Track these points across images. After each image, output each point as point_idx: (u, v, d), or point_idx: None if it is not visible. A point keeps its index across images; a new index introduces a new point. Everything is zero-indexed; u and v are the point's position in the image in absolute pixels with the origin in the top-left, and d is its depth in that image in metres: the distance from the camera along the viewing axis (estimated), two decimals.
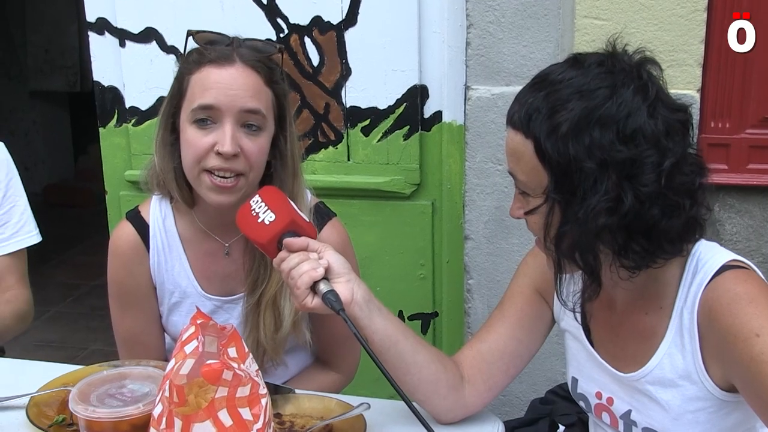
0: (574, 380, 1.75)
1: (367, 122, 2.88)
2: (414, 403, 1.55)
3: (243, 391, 1.33)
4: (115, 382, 1.55)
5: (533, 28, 2.53)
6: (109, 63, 3.01)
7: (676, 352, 1.54)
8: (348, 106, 2.87)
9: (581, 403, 1.76)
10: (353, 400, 1.74)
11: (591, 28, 2.47)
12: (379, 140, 2.88)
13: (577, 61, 1.49)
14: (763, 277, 1.53)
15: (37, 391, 1.78)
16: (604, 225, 1.41)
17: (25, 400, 1.76)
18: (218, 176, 1.79)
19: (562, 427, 2.05)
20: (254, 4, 2.84)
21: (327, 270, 1.58)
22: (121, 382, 1.56)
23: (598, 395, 1.69)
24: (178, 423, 1.29)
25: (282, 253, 1.60)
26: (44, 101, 6.68)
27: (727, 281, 1.48)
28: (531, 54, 2.56)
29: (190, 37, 1.84)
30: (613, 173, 1.40)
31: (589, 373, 1.70)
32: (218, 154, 1.77)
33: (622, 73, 1.44)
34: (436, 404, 1.70)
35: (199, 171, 1.80)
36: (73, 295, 5.30)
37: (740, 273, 1.49)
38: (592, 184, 1.40)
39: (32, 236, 2.40)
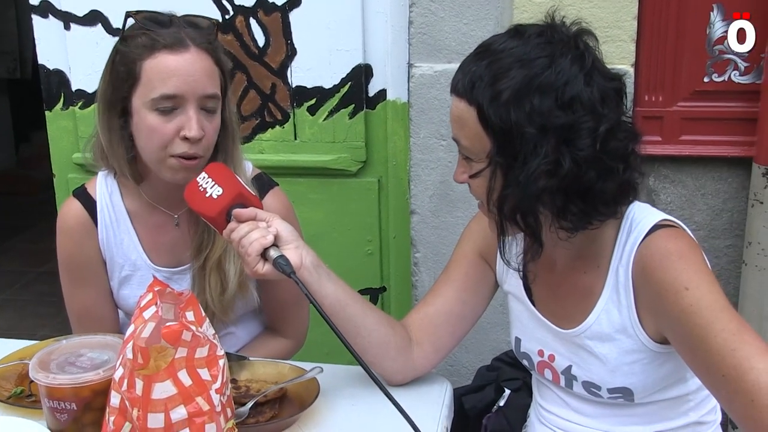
0: (518, 340, 1.82)
1: (312, 102, 2.92)
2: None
3: (201, 352, 1.37)
4: (74, 351, 1.58)
5: (474, 6, 2.60)
6: (54, 46, 3.01)
7: (613, 307, 1.62)
8: (294, 86, 2.92)
9: (524, 362, 1.84)
10: (307, 365, 1.80)
11: (529, 6, 2.54)
12: (325, 119, 2.93)
13: (518, 31, 1.56)
14: (692, 235, 1.62)
15: None
16: (544, 187, 1.49)
17: None
18: (185, 159, 1.83)
19: (508, 392, 2.14)
20: None
21: (276, 237, 1.63)
22: (80, 350, 1.59)
23: (540, 353, 1.77)
24: (139, 384, 1.34)
25: (232, 224, 1.65)
26: None
27: (659, 239, 1.57)
28: (472, 32, 2.63)
29: (130, 18, 1.86)
30: (552, 138, 1.47)
31: (531, 332, 1.78)
32: (185, 139, 1.81)
33: (561, 43, 1.51)
34: (386, 366, 1.76)
35: (164, 156, 1.84)
36: (20, 282, 5.27)
37: (671, 231, 1.58)
38: (533, 148, 1.47)
39: None
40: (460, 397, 2.16)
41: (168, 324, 1.35)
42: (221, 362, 1.41)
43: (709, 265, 1.56)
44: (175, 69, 1.80)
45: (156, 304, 1.42)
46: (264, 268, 1.62)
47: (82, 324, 2.07)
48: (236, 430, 1.47)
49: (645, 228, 1.59)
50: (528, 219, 1.54)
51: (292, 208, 2.09)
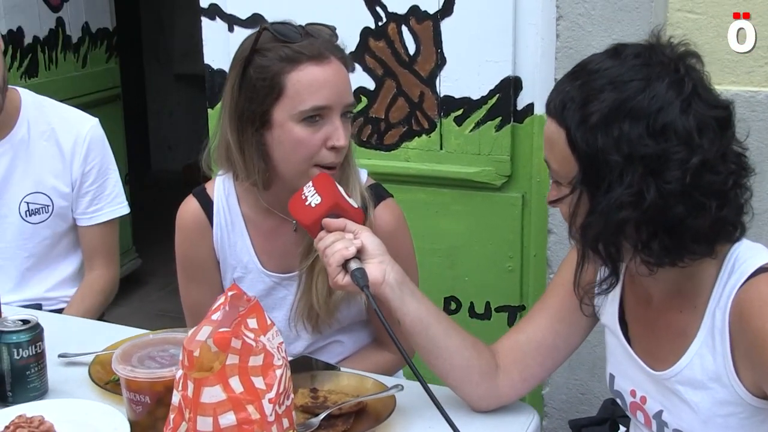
0: (611, 377, 1.72)
1: (460, 112, 2.89)
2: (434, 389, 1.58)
3: (255, 361, 1.38)
4: (158, 346, 1.64)
5: (624, 21, 2.49)
6: (218, 47, 3.15)
7: (707, 353, 1.50)
8: (442, 95, 2.90)
9: (618, 401, 1.74)
10: (391, 381, 1.78)
11: (684, 22, 2.41)
12: (471, 130, 2.89)
13: (616, 51, 1.47)
14: None
15: (102, 351, 1.90)
16: (626, 218, 1.40)
17: (91, 358, 1.89)
18: (328, 168, 1.86)
19: (622, 429, 2.03)
20: None
21: (361, 250, 1.63)
22: (164, 346, 1.65)
23: (633, 393, 1.66)
24: (190, 386, 1.37)
25: (321, 233, 1.66)
26: (187, 84, 6.95)
27: (761, 283, 1.44)
28: None
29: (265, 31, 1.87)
30: (639, 167, 1.38)
31: (624, 370, 1.68)
32: (332, 148, 1.84)
33: (659, 65, 1.42)
34: (468, 391, 1.71)
35: (309, 166, 1.86)
36: None
37: None
38: (618, 176, 1.39)
39: (123, 207, 2.58)
40: (580, 428, 2.08)
41: (221, 330, 1.37)
42: (278, 372, 1.41)
43: None
44: (324, 81, 1.82)
45: (223, 308, 1.45)
46: (344, 279, 1.62)
47: (195, 319, 2.13)
48: None
49: (748, 270, 1.46)
50: (609, 249, 1.45)
51: (404, 222, 2.07)
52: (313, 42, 1.85)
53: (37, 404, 1.67)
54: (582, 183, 1.44)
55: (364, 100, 2.99)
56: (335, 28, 1.94)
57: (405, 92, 2.94)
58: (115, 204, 2.57)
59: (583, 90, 1.43)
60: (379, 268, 1.63)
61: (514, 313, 3.01)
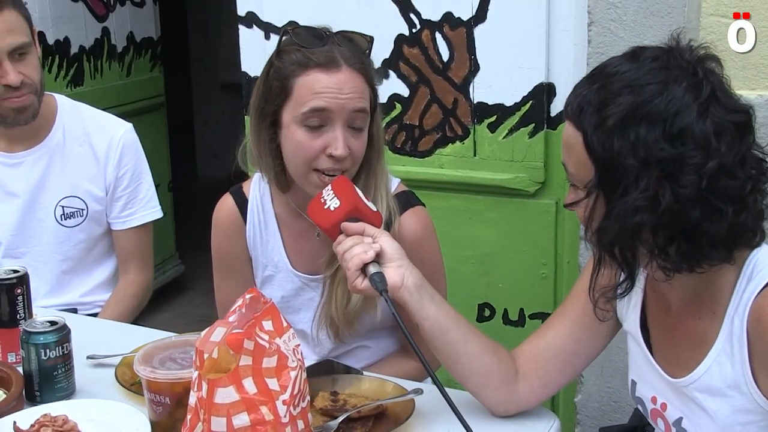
0: (633, 383, 1.72)
1: (493, 119, 2.89)
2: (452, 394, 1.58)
3: (269, 362, 1.40)
4: (180, 348, 1.67)
5: (655, 27, 2.47)
6: (255, 55, 3.17)
7: (725, 360, 1.49)
8: (475, 101, 2.90)
9: (639, 407, 1.73)
10: (411, 385, 1.79)
11: (717, 27, 2.38)
12: (504, 137, 2.89)
13: (634, 54, 1.47)
14: None
15: (128, 353, 1.94)
16: (641, 223, 1.39)
17: (118, 360, 1.93)
18: (328, 175, 1.88)
19: None
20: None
21: (380, 255, 1.64)
22: (185, 348, 1.67)
23: (653, 400, 1.65)
24: (204, 386, 1.39)
25: (340, 237, 1.67)
26: (232, 93, 7.00)
27: None
28: None
29: (286, 34, 1.92)
30: (655, 171, 1.37)
31: (646, 376, 1.67)
32: (330, 156, 1.86)
33: (677, 69, 1.41)
34: (488, 396, 1.71)
35: (308, 170, 1.90)
36: None
37: None
38: (633, 181, 1.38)
39: (156, 211, 2.62)
40: None
41: (234, 331, 1.39)
42: (292, 374, 1.43)
43: None
44: (326, 87, 1.85)
45: (239, 310, 1.47)
46: (363, 283, 1.63)
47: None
48: None
49: (766, 276, 1.44)
50: (625, 253, 1.44)
51: (431, 230, 2.07)
52: (330, 49, 1.87)
53: (61, 404, 1.70)
54: (598, 186, 1.43)
55: (398, 107, 3.00)
56: (372, 39, 1.96)
57: (439, 99, 2.95)
58: (149, 208, 2.61)
59: (600, 93, 1.43)
60: (398, 272, 1.63)
61: None
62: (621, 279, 1.51)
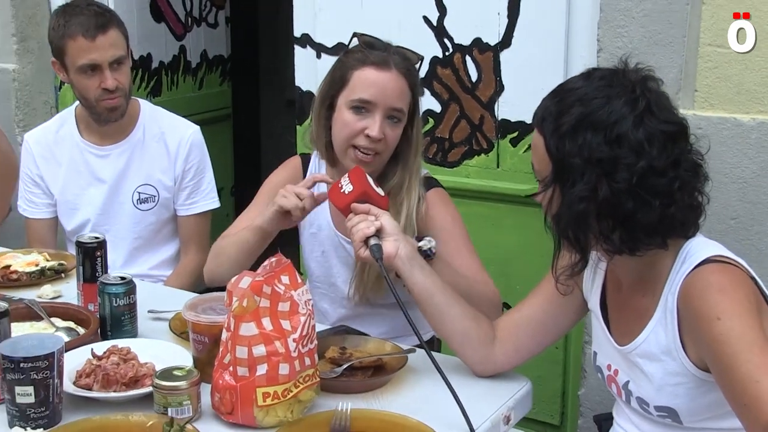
0: (594, 354, 2.01)
1: (515, 134, 3.21)
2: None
3: (284, 306, 1.75)
4: (218, 301, 2.02)
5: (658, 54, 2.72)
6: (308, 71, 3.57)
7: (661, 329, 1.78)
8: (500, 118, 3.23)
9: (599, 375, 2.02)
10: (408, 346, 2.13)
11: (714, 56, 2.66)
12: (525, 151, 3.20)
13: (588, 74, 1.80)
14: (749, 274, 1.74)
15: (180, 309, 2.31)
16: (585, 210, 1.71)
17: (172, 315, 2.32)
18: (362, 152, 2.29)
19: None
20: (425, 25, 3.28)
21: (380, 230, 2.00)
22: (222, 301, 2.02)
23: (608, 367, 1.95)
24: (232, 322, 1.75)
25: (350, 215, 2.05)
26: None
27: (704, 271, 1.71)
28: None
29: (355, 38, 2.36)
30: (596, 168, 1.69)
31: (603, 347, 1.96)
32: (367, 136, 2.27)
33: (620, 86, 1.73)
34: (468, 354, 2.03)
35: (348, 146, 2.31)
36: None
37: (719, 266, 1.71)
38: (579, 176, 1.71)
39: (214, 202, 3.07)
40: (602, 422, 2.27)
41: (256, 279, 1.75)
42: (302, 318, 1.77)
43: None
44: (375, 81, 2.27)
45: (264, 267, 1.83)
46: (364, 253, 1.99)
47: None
48: (318, 376, 1.83)
49: (696, 261, 1.74)
50: (578, 236, 1.76)
51: (449, 201, 2.45)
52: (385, 54, 2.30)
53: (126, 340, 2.11)
54: (554, 181, 1.77)
55: (431, 121, 3.35)
56: (422, 57, 2.41)
57: (467, 115, 3.29)
58: (209, 199, 3.06)
59: (558, 105, 1.76)
60: (394, 244, 1.99)
61: None
62: (576, 259, 1.83)
